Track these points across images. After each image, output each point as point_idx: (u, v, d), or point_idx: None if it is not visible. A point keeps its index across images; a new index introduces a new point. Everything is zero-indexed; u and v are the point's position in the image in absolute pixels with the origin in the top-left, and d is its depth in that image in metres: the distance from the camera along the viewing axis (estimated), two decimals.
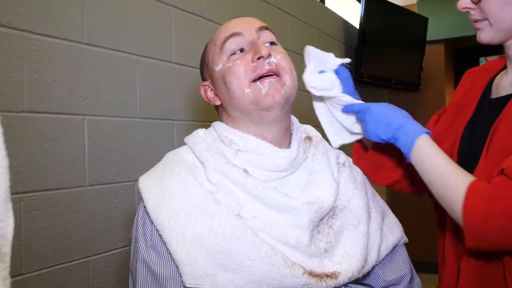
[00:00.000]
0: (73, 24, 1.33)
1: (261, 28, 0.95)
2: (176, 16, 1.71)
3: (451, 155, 0.95)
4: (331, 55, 1.00)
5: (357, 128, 1.02)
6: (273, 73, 0.91)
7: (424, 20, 3.91)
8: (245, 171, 0.88)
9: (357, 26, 3.37)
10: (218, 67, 0.94)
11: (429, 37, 3.97)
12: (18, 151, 1.18)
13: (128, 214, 1.48)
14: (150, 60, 1.59)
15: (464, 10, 0.99)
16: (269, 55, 0.91)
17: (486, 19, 0.96)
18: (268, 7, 2.39)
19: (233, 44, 0.93)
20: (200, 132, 0.99)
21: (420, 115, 4.89)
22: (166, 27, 1.67)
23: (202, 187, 0.86)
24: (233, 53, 0.93)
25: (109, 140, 1.44)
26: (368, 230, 0.94)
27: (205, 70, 1.00)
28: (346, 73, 1.02)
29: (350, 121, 1.02)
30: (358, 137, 1.05)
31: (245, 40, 0.93)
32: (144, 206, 0.87)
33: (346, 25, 3.41)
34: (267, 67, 0.90)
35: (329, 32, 3.11)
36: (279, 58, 0.93)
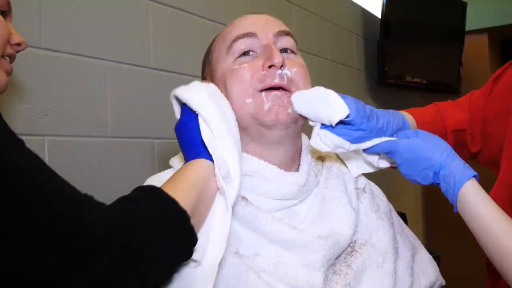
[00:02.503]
0: (28, 25, 1.31)
1: (281, 33, 0.96)
2: (154, 11, 1.71)
3: None
4: (323, 102, 0.92)
5: (384, 163, 1.00)
6: (283, 88, 0.91)
7: (462, 6, 3.81)
8: (244, 198, 0.87)
9: (379, 16, 3.32)
10: (222, 67, 0.95)
11: (469, 26, 3.88)
12: None
13: None
14: (123, 66, 1.59)
15: None
16: (282, 65, 0.90)
17: None
18: None
19: (242, 45, 0.94)
20: None
21: None
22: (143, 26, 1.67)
23: None
24: (242, 55, 0.94)
25: (74, 162, 1.43)
26: (395, 269, 0.93)
27: (206, 67, 1.02)
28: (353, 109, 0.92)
29: (375, 157, 1.00)
30: (386, 166, 1.02)
31: (258, 42, 0.94)
32: None
33: (366, 15, 3.32)
34: (277, 80, 0.90)
35: (344, 24, 3.03)
36: (294, 72, 0.92)
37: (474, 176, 0.87)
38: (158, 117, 1.71)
